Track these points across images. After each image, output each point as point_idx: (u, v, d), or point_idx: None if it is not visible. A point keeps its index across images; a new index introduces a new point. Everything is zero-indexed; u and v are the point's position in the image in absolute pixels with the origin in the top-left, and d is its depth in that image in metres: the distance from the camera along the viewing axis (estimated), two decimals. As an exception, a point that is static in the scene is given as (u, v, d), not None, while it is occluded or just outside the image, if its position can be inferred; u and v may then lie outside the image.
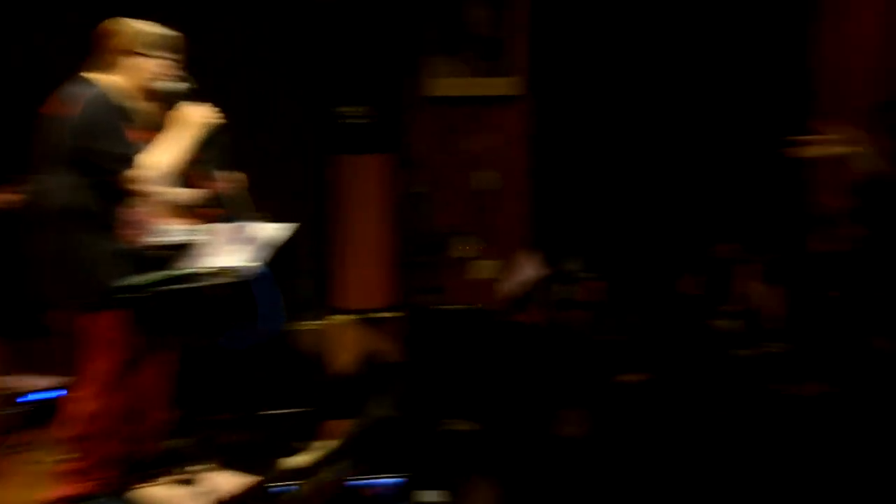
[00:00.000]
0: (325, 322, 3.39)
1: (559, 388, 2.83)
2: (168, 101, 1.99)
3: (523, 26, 3.98)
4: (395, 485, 2.07)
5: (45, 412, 2.55)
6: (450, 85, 3.99)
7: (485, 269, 3.97)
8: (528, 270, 3.05)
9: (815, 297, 3.66)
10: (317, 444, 2.44)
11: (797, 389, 3.25)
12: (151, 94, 2.02)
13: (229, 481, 2.17)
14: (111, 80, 1.98)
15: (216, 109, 1.99)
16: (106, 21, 2.00)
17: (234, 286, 1.88)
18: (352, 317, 3.47)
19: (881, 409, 2.96)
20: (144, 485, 2.10)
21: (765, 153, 4.14)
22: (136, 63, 1.98)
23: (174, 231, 2.04)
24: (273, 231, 1.96)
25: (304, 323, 3.20)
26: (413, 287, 3.89)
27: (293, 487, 2.12)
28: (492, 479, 2.22)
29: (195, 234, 2.01)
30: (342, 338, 3.34)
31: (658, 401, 3.01)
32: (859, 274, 3.37)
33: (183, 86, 2.00)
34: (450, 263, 3.96)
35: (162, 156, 1.91)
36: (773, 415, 3.21)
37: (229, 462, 2.26)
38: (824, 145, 1.92)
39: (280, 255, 1.96)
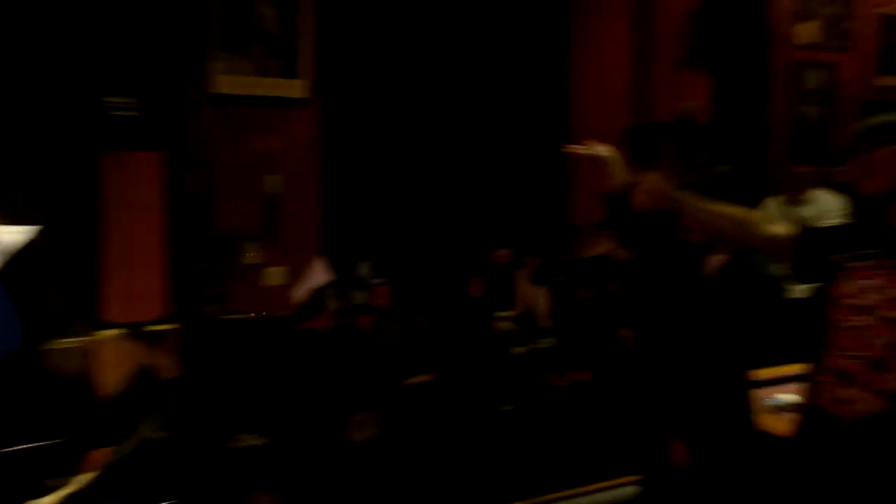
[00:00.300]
0: (88, 338, 3.01)
1: (349, 394, 2.83)
2: None
3: (311, 28, 3.93)
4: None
5: None
6: (236, 83, 3.80)
7: (273, 275, 3.84)
8: (317, 276, 3.00)
9: (574, 296, 4.14)
10: (75, 478, 2.15)
11: (562, 380, 3.64)
12: None
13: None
14: None
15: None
16: None
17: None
18: (121, 330, 3.13)
19: (626, 391, 3.42)
20: None
21: (534, 168, 4.64)
22: None
23: None
24: (10, 235, 1.68)
25: (61, 340, 2.81)
26: (194, 296, 3.62)
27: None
28: (277, 494, 2.14)
29: None
30: (109, 355, 3.00)
31: (444, 400, 3.16)
32: (608, 275, 3.89)
33: None
34: (236, 270, 3.76)
35: None
36: (542, 403, 3.55)
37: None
38: (589, 149, 2.19)
39: (22, 263, 1.69)
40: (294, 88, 3.88)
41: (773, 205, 3.57)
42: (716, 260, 1.95)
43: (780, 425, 1.93)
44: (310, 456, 2.72)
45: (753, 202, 3.44)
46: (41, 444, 2.47)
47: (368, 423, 3.00)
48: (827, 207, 3.47)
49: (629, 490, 2.81)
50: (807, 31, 5.14)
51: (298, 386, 2.76)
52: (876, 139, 1.50)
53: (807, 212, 3.50)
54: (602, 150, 2.19)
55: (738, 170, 2.03)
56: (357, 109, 4.22)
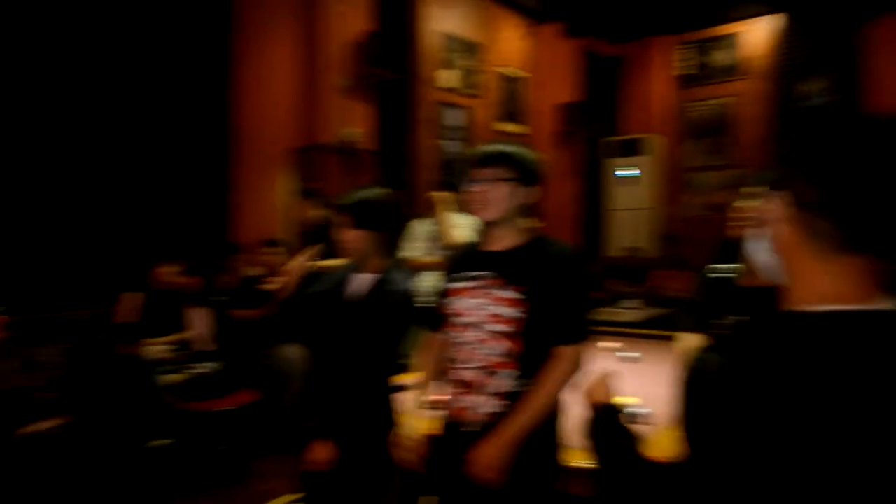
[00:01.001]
0: None
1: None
2: None
3: None
4: None
5: None
6: None
7: None
8: None
9: (237, 317, 4.00)
10: None
11: (226, 403, 3.46)
12: None
13: None
14: None
15: None
16: None
17: None
18: None
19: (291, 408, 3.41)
20: None
21: (195, 186, 4.37)
22: None
23: None
24: None
25: None
26: None
27: None
28: None
29: None
30: None
31: (78, 445, 2.70)
32: (269, 296, 3.85)
33: None
34: None
35: None
36: (201, 431, 3.32)
37: None
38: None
39: None
40: None
41: (416, 225, 3.97)
42: (363, 279, 2.07)
43: (424, 425, 2.13)
44: None
45: (402, 222, 3.79)
46: None
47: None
48: (464, 230, 3.95)
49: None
50: (447, 78, 5.97)
51: None
52: (477, 174, 1.74)
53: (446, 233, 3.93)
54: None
55: (394, 193, 2.20)
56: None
